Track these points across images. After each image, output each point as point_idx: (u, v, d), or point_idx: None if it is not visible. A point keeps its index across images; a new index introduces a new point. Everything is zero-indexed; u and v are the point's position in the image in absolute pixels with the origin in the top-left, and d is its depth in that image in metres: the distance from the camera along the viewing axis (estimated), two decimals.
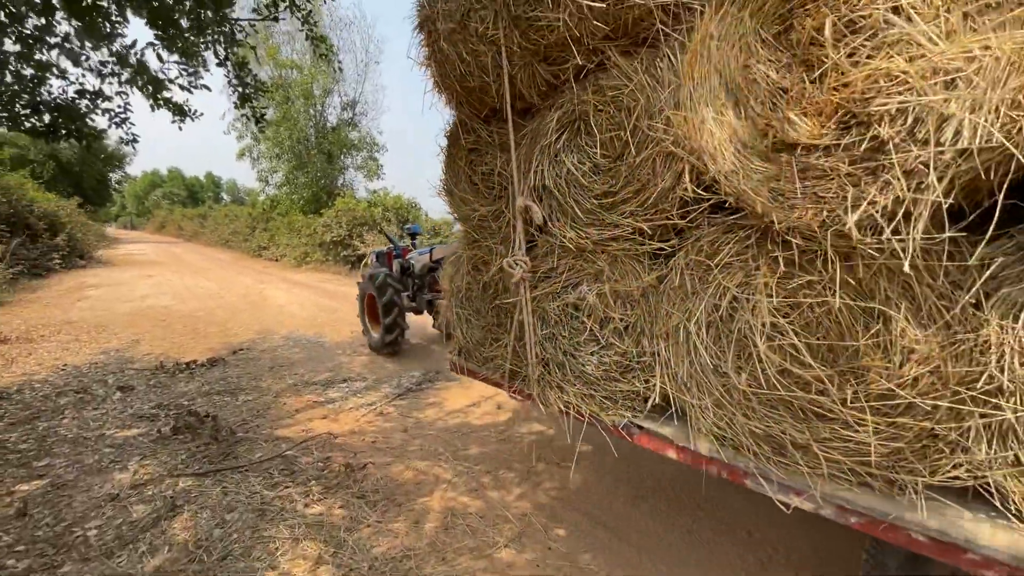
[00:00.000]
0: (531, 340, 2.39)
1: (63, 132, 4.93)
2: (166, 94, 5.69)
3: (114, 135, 39.03)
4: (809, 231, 1.39)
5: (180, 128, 6.25)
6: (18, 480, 3.30)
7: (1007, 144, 1.06)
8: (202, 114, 6.22)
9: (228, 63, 5.82)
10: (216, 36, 5.54)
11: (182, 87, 5.60)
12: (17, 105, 4.69)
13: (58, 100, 5.00)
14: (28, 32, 4.88)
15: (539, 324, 2.43)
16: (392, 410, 4.61)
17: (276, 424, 4.24)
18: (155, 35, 5.35)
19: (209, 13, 5.29)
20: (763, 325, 1.59)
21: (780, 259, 1.53)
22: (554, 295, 2.36)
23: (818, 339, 1.50)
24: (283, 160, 21.82)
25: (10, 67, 4.90)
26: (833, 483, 1.52)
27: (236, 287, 12.39)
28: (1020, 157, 1.06)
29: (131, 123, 5.77)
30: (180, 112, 5.91)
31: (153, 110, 5.71)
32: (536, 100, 2.31)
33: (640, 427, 2.06)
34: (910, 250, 1.21)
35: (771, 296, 1.57)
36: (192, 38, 5.32)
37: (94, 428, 4.13)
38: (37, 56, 4.99)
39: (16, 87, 4.87)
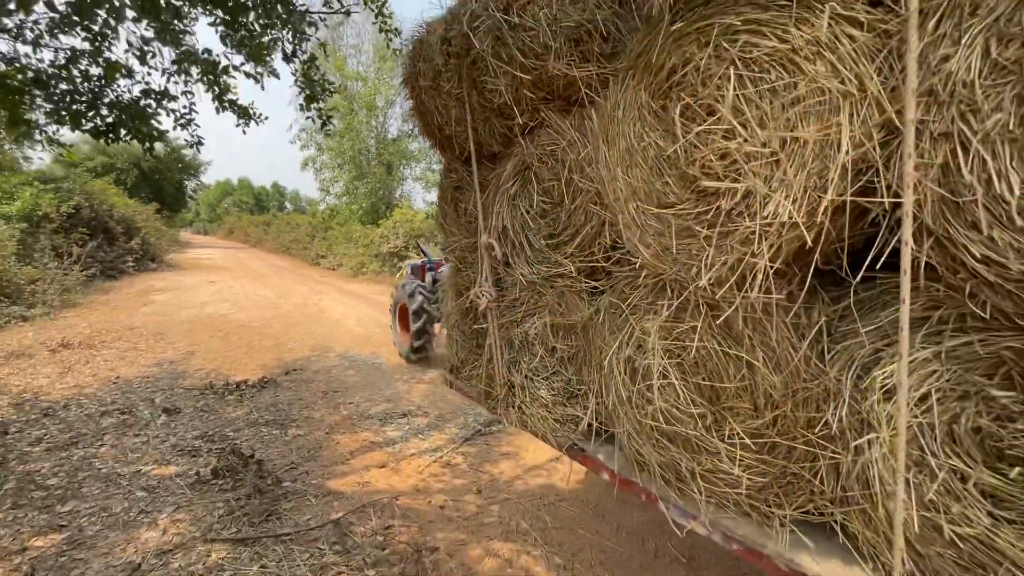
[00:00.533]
0: (498, 363, 2.50)
1: (124, 132, 4.62)
2: (231, 96, 5.37)
3: (177, 137, 42.46)
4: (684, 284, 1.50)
5: (244, 132, 5.93)
6: (35, 531, 2.82)
7: (798, 223, 1.18)
8: (266, 117, 5.88)
9: (296, 59, 5.41)
10: (286, 29, 5.13)
11: (248, 74, 5.22)
12: (80, 104, 4.43)
13: (121, 99, 4.73)
14: (98, 30, 4.65)
15: (506, 349, 2.52)
16: (460, 460, 3.87)
17: (328, 471, 3.60)
18: (222, 32, 5.02)
19: (279, 6, 4.90)
20: (658, 365, 1.64)
21: (669, 306, 1.61)
22: (516, 323, 2.45)
23: (700, 380, 1.57)
24: (344, 170, 22.20)
25: (79, 65, 4.68)
26: (721, 512, 1.58)
27: (293, 296, 12.26)
28: (808, 238, 1.17)
29: (196, 124, 5.47)
30: (244, 114, 5.57)
31: (218, 112, 5.40)
32: (497, 148, 2.45)
33: (582, 449, 2.12)
34: (754, 304, 1.36)
35: (665, 339, 1.65)
36: (260, 30, 4.92)
37: (131, 461, 3.67)
38: (106, 54, 4.76)
39: (84, 85, 4.63)
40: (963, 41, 0.96)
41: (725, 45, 1.28)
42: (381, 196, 22.06)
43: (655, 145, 1.55)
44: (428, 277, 6.99)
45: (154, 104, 4.94)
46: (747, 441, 1.46)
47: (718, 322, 1.47)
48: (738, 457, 1.48)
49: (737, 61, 1.27)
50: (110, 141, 4.60)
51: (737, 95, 1.28)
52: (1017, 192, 0.91)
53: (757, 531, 1.49)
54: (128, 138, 4.68)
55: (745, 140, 1.27)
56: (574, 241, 2.03)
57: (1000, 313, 1.00)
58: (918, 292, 1.12)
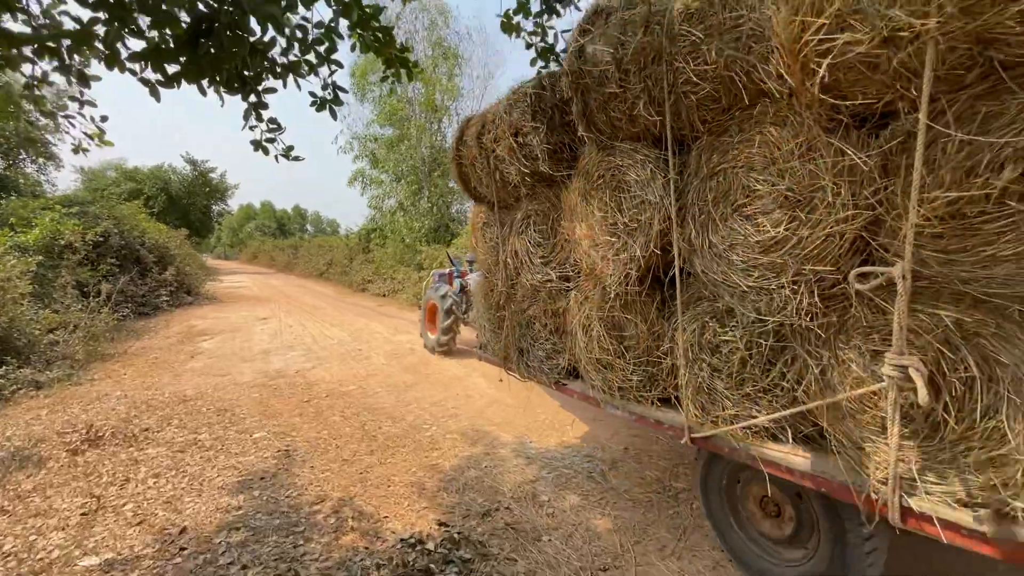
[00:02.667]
0: (513, 337, 4.00)
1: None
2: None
3: (220, 170, 38.95)
4: (604, 283, 2.87)
5: (276, 160, 6.61)
6: None
7: (640, 257, 2.61)
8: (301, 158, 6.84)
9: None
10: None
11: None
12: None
13: None
14: None
15: (516, 328, 3.94)
16: None
17: None
18: None
19: None
20: (596, 327, 3.04)
21: (600, 294, 2.98)
22: (522, 312, 3.88)
23: (614, 333, 2.97)
24: (402, 183, 19.37)
25: None
26: (625, 401, 3.00)
27: (372, 338, 9.81)
28: (642, 265, 2.61)
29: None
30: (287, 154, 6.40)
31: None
32: (511, 202, 3.92)
33: (564, 383, 3.55)
34: (630, 292, 2.79)
35: (599, 312, 3.02)
36: None
37: None
38: None
39: None
40: (696, 179, 2.38)
41: (607, 175, 2.76)
42: (445, 212, 19.34)
43: (593, 215, 2.96)
44: (456, 283, 8.32)
45: None
46: (634, 362, 2.87)
47: (619, 303, 2.88)
48: (631, 370, 2.90)
49: (620, 188, 2.73)
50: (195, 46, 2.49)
51: (616, 205, 2.75)
52: (716, 245, 2.32)
53: (641, 408, 2.90)
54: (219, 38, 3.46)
55: (625, 221, 2.70)
56: (556, 260, 3.47)
57: (715, 296, 2.41)
58: (687, 290, 2.54)
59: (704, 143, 2.33)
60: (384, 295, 16.98)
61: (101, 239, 11.93)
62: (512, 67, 47.58)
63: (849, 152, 1.75)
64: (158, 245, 14.41)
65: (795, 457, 2.13)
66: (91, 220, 12.25)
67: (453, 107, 19.81)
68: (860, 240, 1.81)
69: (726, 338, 2.35)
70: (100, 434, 4.65)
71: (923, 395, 1.52)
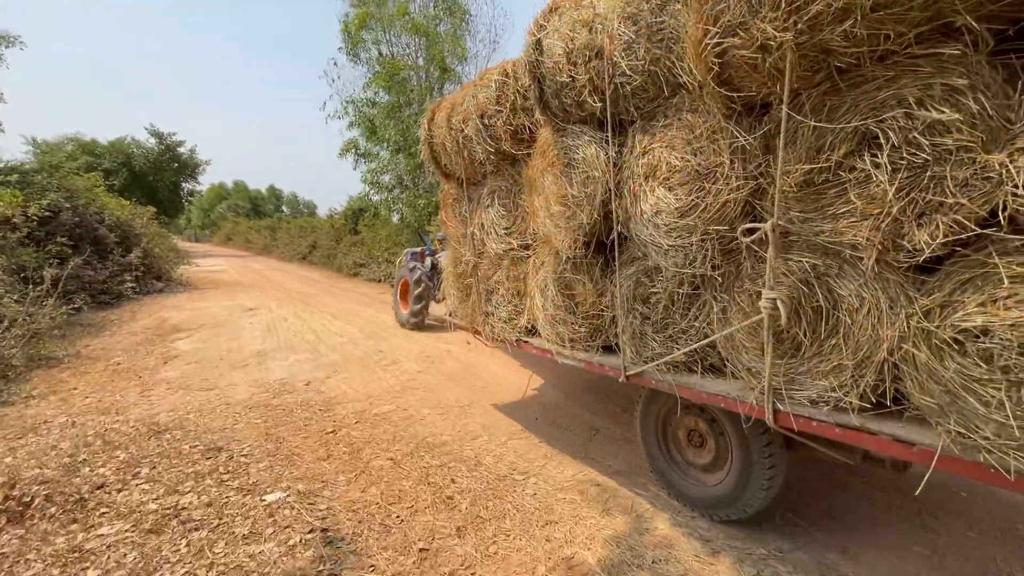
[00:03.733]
0: (480, 302, 4.44)
1: None
2: None
3: (175, 132, 36.34)
4: (557, 248, 3.37)
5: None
6: None
7: (586, 224, 3.08)
8: None
9: None
10: None
11: None
12: None
13: None
14: None
15: (484, 293, 4.38)
16: None
17: None
18: None
19: None
20: (551, 287, 3.52)
21: (554, 258, 3.49)
22: (488, 278, 4.33)
23: (566, 292, 3.45)
24: (402, 155, 16.35)
25: None
26: (575, 351, 3.47)
27: (389, 334, 8.26)
28: (587, 230, 3.09)
29: None
30: None
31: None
32: (478, 179, 4.33)
33: (525, 340, 3.97)
34: (579, 256, 3.27)
35: (552, 275, 3.50)
36: None
37: None
38: None
39: None
40: (631, 157, 2.84)
41: (560, 154, 3.19)
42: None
43: (548, 189, 3.41)
44: (428, 261, 8.73)
45: None
46: (582, 316, 3.34)
47: (570, 265, 3.35)
48: (580, 324, 3.37)
49: (571, 165, 3.16)
50: None
51: (568, 179, 3.17)
52: (646, 212, 2.78)
53: (588, 355, 3.37)
54: None
55: (574, 194, 3.15)
56: (518, 230, 3.90)
57: (645, 255, 2.89)
58: (624, 252, 3.01)
59: (638, 126, 2.78)
60: (380, 280, 15.59)
61: (50, 214, 10.20)
62: (521, 32, 44.30)
63: (740, 135, 2.23)
64: (121, 223, 12.72)
65: (704, 383, 2.64)
66: (36, 192, 10.49)
67: (461, 70, 17.31)
68: (748, 205, 2.30)
69: (654, 290, 2.84)
70: (28, 499, 2.93)
71: (784, 318, 2.03)
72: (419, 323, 8.60)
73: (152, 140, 34.30)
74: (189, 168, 36.99)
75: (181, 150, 36.03)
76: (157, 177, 33.53)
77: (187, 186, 38.17)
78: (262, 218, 52.35)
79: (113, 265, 11.74)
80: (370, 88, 17.07)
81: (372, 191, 18.02)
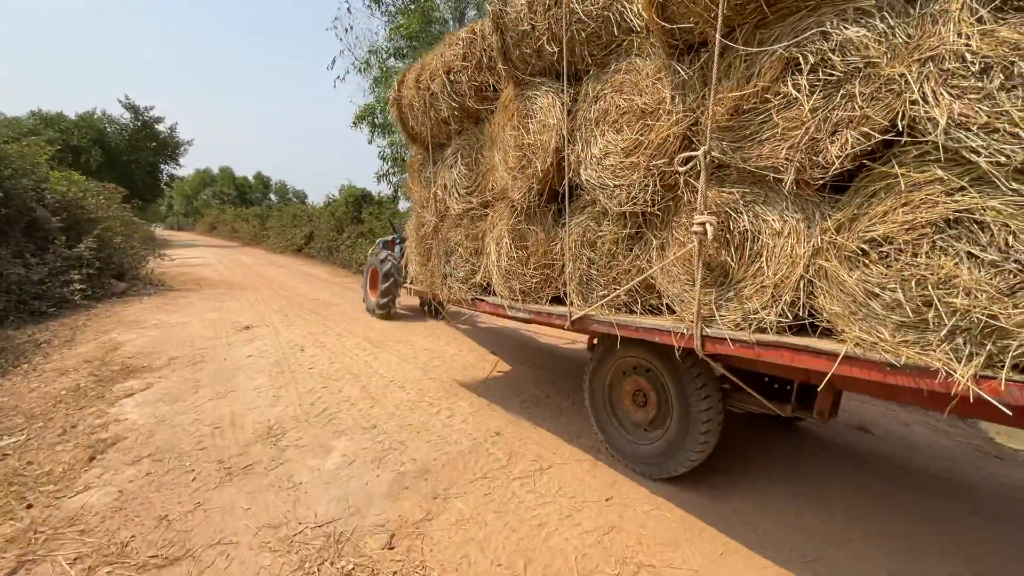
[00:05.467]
0: (439, 263, 4.45)
1: None
2: None
3: (169, 121, 31.97)
4: (512, 199, 3.47)
5: None
6: None
7: (539, 173, 3.20)
8: None
9: None
10: None
11: None
12: None
13: None
14: None
15: (443, 256, 4.37)
16: None
17: None
18: None
19: None
20: (505, 241, 3.56)
21: (510, 210, 3.53)
22: (448, 240, 4.29)
23: (519, 244, 3.50)
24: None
25: None
26: (527, 304, 3.51)
27: (488, 388, 4.92)
28: (540, 178, 3.23)
29: None
30: None
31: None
32: (443, 141, 4.35)
33: (480, 299, 3.99)
34: (532, 206, 3.38)
35: (508, 229, 3.53)
36: None
37: None
38: None
39: None
40: (584, 104, 2.93)
41: (519, 105, 3.28)
42: None
43: (507, 141, 3.50)
44: (397, 249, 8.72)
45: None
46: (534, 267, 3.39)
47: (524, 216, 3.42)
48: (531, 274, 3.42)
49: (529, 115, 3.25)
50: None
51: (525, 129, 3.26)
52: (595, 155, 2.87)
53: (538, 307, 3.42)
54: None
55: (530, 142, 3.23)
56: (478, 189, 3.96)
57: (594, 201, 2.97)
58: (574, 201, 3.09)
59: (592, 74, 2.88)
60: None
61: None
62: None
63: (681, 70, 2.34)
64: (67, 202, 9.41)
65: (641, 320, 2.71)
66: None
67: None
68: (687, 139, 2.40)
69: (600, 234, 2.92)
70: None
71: (711, 236, 2.12)
72: (387, 313, 8.51)
73: (127, 115, 30.41)
74: (169, 148, 32.72)
75: (160, 128, 31.85)
76: (132, 157, 29.49)
77: (167, 168, 33.88)
78: (249, 206, 48.81)
79: (55, 260, 8.52)
80: (397, 35, 13.60)
81: (392, 170, 14.85)
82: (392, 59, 13.92)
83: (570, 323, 3.12)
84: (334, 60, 17.02)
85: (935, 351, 1.62)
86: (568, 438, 3.82)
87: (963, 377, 1.52)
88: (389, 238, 9.34)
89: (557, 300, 3.42)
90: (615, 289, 2.87)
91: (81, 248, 9.08)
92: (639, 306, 2.82)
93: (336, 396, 4.54)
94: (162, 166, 32.96)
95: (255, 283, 12.54)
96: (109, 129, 28.61)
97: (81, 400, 4.28)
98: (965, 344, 1.57)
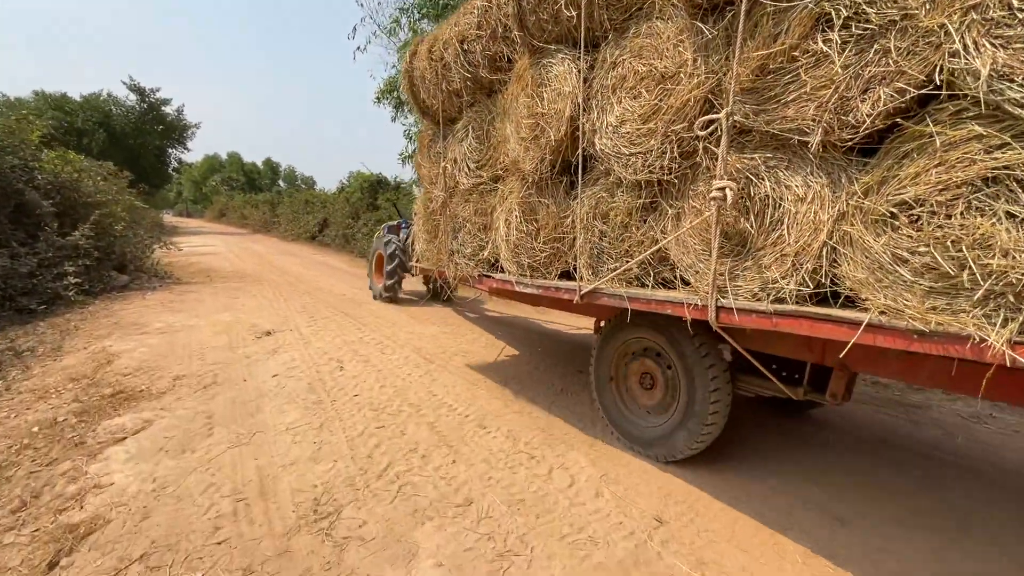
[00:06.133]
0: (447, 239, 4.38)
1: None
2: None
3: (176, 103, 30.76)
4: (524, 171, 3.40)
5: None
6: None
7: (553, 142, 3.10)
8: None
9: None
10: None
11: None
12: None
13: None
14: None
15: (451, 232, 4.30)
16: None
17: None
18: None
19: None
20: (516, 214, 3.48)
21: (521, 182, 3.48)
22: (456, 216, 4.23)
23: (529, 217, 3.42)
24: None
25: None
26: (536, 278, 3.45)
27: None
28: (553, 147, 3.12)
29: None
30: None
31: None
32: (454, 114, 4.28)
33: (488, 275, 3.92)
34: (544, 178, 3.30)
35: (519, 202, 3.47)
36: None
37: None
38: None
39: None
40: (602, 71, 2.84)
41: (534, 74, 3.20)
42: None
43: (520, 111, 3.41)
44: (402, 234, 8.61)
45: None
46: (543, 240, 3.32)
47: (535, 188, 3.34)
48: (540, 248, 3.35)
49: (543, 84, 3.16)
50: None
51: (539, 98, 3.17)
52: (611, 123, 2.78)
53: (546, 281, 3.35)
54: None
55: (544, 111, 3.14)
56: (489, 162, 3.89)
57: (608, 171, 2.88)
58: (588, 172, 3.01)
59: (610, 40, 2.80)
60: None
61: None
62: None
63: (705, 29, 2.26)
64: (61, 184, 8.37)
65: (653, 293, 2.64)
66: None
67: None
68: (707, 103, 2.32)
69: (613, 204, 2.84)
70: None
71: (730, 202, 2.04)
72: (392, 297, 8.48)
73: (132, 97, 29.08)
74: (176, 131, 31.43)
75: (167, 110, 30.66)
76: (139, 140, 28.31)
77: (174, 153, 32.62)
78: (258, 192, 48.34)
79: (47, 250, 7.53)
80: None
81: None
82: (424, 21, 11.89)
83: (579, 297, 3.06)
84: (355, 28, 14.76)
85: (967, 316, 1.54)
86: (786, 526, 2.52)
87: (998, 342, 1.45)
88: (394, 223, 9.28)
89: (566, 276, 3.35)
90: (627, 262, 2.79)
91: (77, 236, 7.99)
92: (651, 279, 2.75)
93: (399, 442, 3.34)
94: (169, 150, 31.88)
95: (270, 275, 11.40)
96: (115, 111, 27.93)
97: (55, 446, 3.15)
98: (999, 309, 1.49)
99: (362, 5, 15.98)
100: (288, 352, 5.35)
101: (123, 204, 10.32)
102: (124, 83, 28.91)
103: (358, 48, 14.77)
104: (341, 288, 9.92)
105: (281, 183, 68.96)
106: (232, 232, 28.80)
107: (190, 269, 11.87)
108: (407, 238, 8.31)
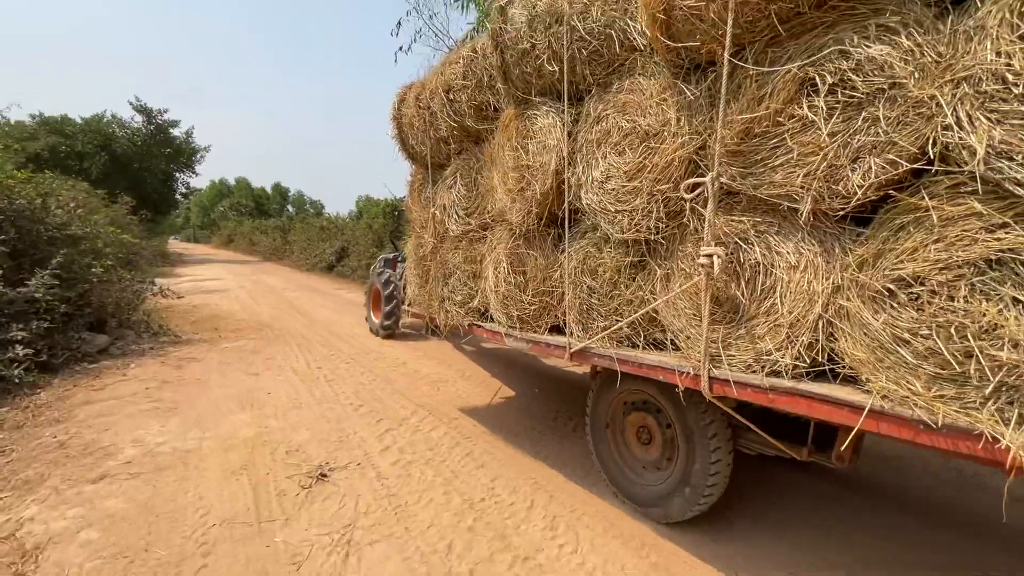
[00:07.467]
0: (437, 285, 4.24)
1: None
2: None
3: (185, 125, 29.33)
4: (510, 222, 3.33)
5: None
6: None
7: (538, 196, 3.01)
8: None
9: None
10: None
11: None
12: None
13: None
14: None
15: (441, 279, 4.17)
16: None
17: None
18: None
19: None
20: (504, 265, 3.37)
21: (510, 233, 3.39)
22: (446, 262, 4.12)
23: (517, 269, 3.32)
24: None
25: None
26: (524, 332, 3.34)
27: None
28: (538, 201, 3.04)
29: None
30: None
31: None
32: (442, 161, 4.22)
33: (477, 324, 3.82)
34: (531, 230, 3.23)
35: (506, 253, 3.38)
36: None
37: None
38: None
39: None
40: (586, 125, 2.78)
41: (520, 126, 3.15)
42: None
43: (506, 162, 3.36)
44: (399, 268, 8.31)
45: None
46: (532, 293, 3.22)
47: (523, 240, 3.26)
48: (529, 301, 3.25)
49: (528, 136, 3.11)
50: None
51: (524, 150, 3.12)
52: (596, 179, 2.71)
53: (536, 335, 3.24)
54: None
55: (529, 164, 3.09)
56: (477, 210, 3.82)
57: (595, 226, 2.80)
58: (575, 225, 2.93)
59: (594, 94, 2.74)
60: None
61: None
62: None
63: (687, 90, 2.19)
64: (16, 212, 6.11)
65: (643, 355, 2.52)
66: None
67: None
68: (693, 164, 2.24)
69: (601, 260, 2.75)
70: None
71: (717, 271, 1.94)
72: (391, 332, 8.31)
73: (138, 119, 27.49)
74: (184, 155, 29.43)
75: (175, 132, 28.90)
76: (144, 164, 26.22)
77: (182, 177, 30.74)
78: (267, 218, 46.89)
79: None
80: None
81: None
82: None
83: (569, 355, 2.94)
84: (399, 24, 12.05)
85: (978, 411, 1.41)
86: None
87: (1013, 444, 1.31)
88: (391, 255, 9.10)
89: (557, 329, 3.24)
90: (617, 320, 2.68)
91: (33, 286, 5.59)
92: (642, 339, 2.63)
93: None
94: (177, 174, 30.15)
95: (293, 323, 9.25)
96: (119, 133, 26.56)
97: None
98: (1014, 404, 1.36)
99: None
100: (370, 540, 2.74)
101: (106, 238, 8.05)
102: (131, 103, 27.49)
103: (400, 48, 12.23)
104: (395, 349, 7.48)
105: (290, 207, 68.59)
106: (241, 260, 27.74)
107: (192, 316, 9.50)
108: (404, 272, 8.25)
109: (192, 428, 4.25)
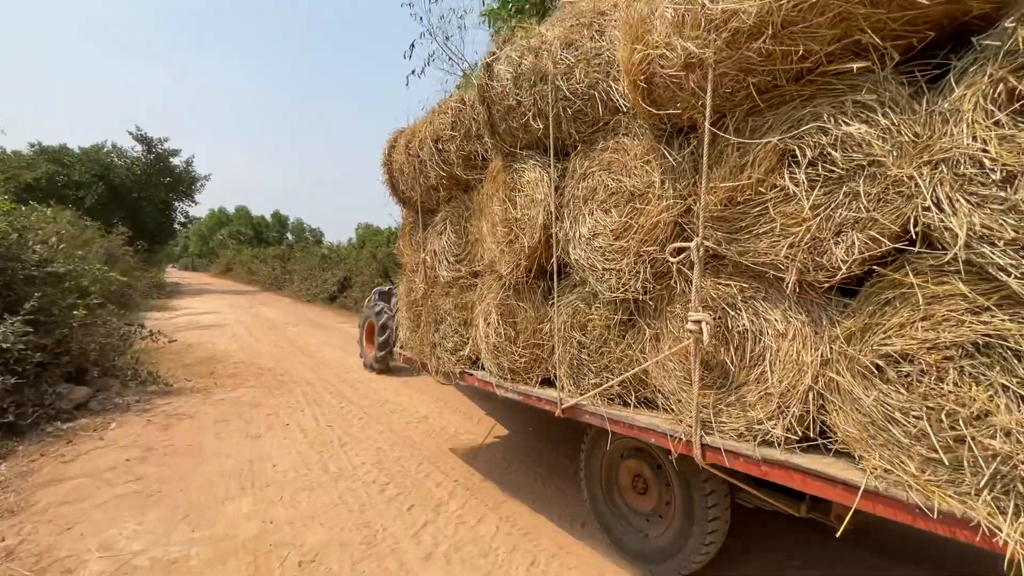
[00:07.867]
0: (429, 331, 4.23)
1: None
2: None
3: (184, 155, 29.24)
4: (500, 273, 3.32)
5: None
6: None
7: (526, 248, 3.02)
8: None
9: None
10: None
11: None
12: None
13: None
14: None
15: (433, 324, 4.16)
16: None
17: None
18: None
19: None
20: (494, 315, 3.35)
21: (499, 284, 3.36)
22: (437, 307, 4.14)
23: (507, 320, 3.31)
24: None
25: None
26: (515, 383, 3.29)
27: None
28: (526, 254, 3.03)
29: None
30: None
31: None
32: (433, 206, 4.24)
33: (468, 372, 3.79)
34: (520, 281, 3.20)
35: (496, 303, 3.36)
36: None
37: None
38: None
39: None
40: (572, 181, 2.79)
41: (507, 178, 3.17)
42: None
43: (495, 213, 3.37)
44: (394, 301, 8.32)
45: None
46: (523, 345, 3.19)
47: (512, 291, 3.24)
48: (520, 353, 3.21)
49: (516, 188, 3.12)
50: None
51: (512, 203, 3.12)
52: (584, 235, 2.71)
53: (527, 388, 3.19)
54: None
55: (517, 217, 3.09)
56: (467, 258, 3.81)
57: (583, 281, 2.79)
58: (563, 279, 2.92)
59: (579, 151, 2.76)
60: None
61: None
62: None
63: (669, 155, 2.20)
64: None
65: (635, 416, 2.47)
66: None
67: None
68: (679, 226, 2.23)
69: (591, 317, 2.72)
70: None
71: (706, 338, 1.91)
72: (385, 367, 8.23)
73: (138, 148, 27.25)
74: (184, 184, 29.11)
75: (175, 161, 28.70)
76: (143, 194, 25.96)
77: (181, 206, 30.33)
78: (266, 246, 46.23)
79: None
80: None
81: None
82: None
83: (560, 411, 2.88)
84: (412, 46, 11.67)
85: (973, 499, 1.37)
86: None
87: (1011, 538, 1.27)
88: (385, 288, 9.10)
89: (549, 381, 3.19)
90: (607, 378, 2.64)
91: (1, 334, 4.92)
92: (633, 397, 2.59)
93: None
94: (176, 204, 29.85)
95: (296, 365, 8.51)
96: (118, 163, 26.37)
97: None
98: (1009, 495, 1.32)
99: (421, 19, 13.28)
100: None
101: (93, 275, 7.38)
102: (130, 133, 27.35)
103: (413, 72, 11.99)
104: (412, 399, 6.58)
105: (289, 236, 68.15)
106: (239, 290, 26.78)
107: (186, 358, 8.75)
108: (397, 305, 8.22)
109: (179, 523, 3.37)
